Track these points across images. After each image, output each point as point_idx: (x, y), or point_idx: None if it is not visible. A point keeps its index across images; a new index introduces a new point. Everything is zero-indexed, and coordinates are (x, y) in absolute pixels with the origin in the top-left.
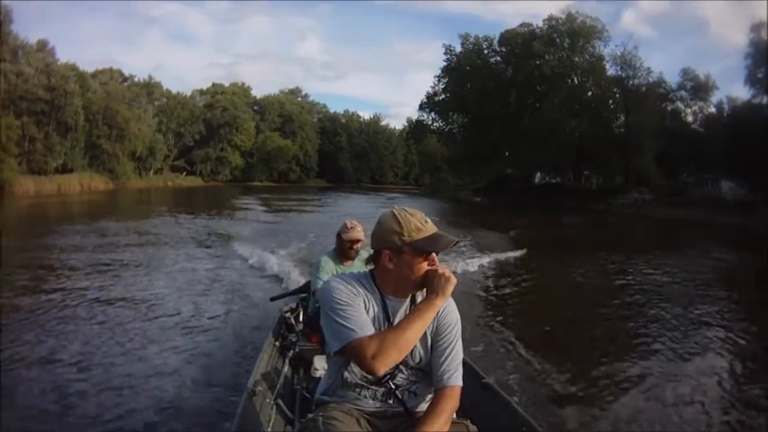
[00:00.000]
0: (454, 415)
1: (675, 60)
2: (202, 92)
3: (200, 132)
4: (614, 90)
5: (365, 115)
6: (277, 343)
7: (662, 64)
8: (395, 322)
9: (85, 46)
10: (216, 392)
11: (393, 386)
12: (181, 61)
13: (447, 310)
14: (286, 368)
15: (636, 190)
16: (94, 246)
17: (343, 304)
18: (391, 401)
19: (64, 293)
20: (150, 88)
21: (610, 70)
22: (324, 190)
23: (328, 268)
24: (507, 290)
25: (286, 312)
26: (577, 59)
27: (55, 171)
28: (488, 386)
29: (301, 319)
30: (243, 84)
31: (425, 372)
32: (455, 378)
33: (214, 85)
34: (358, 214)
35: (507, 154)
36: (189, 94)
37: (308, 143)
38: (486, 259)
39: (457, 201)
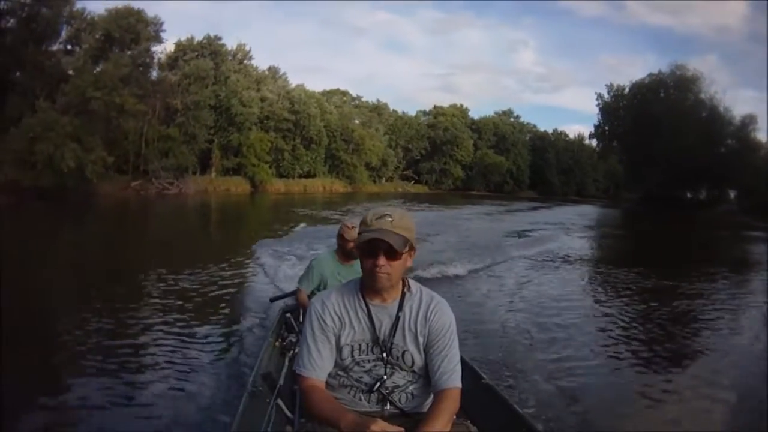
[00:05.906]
0: (455, 416)
1: None
2: (425, 113)
3: (425, 147)
4: (709, 127)
5: (572, 133)
6: (277, 344)
7: None
8: (379, 330)
9: (286, 50)
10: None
11: (384, 392)
12: (395, 70)
13: (439, 314)
14: (286, 368)
15: (729, 203)
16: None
17: (317, 333)
18: (387, 406)
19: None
20: (378, 110)
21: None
22: (534, 200)
23: (325, 268)
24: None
25: (286, 312)
26: (688, 102)
27: (299, 176)
28: (488, 387)
29: (301, 319)
30: (461, 106)
31: (420, 374)
32: (453, 379)
33: (435, 107)
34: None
35: (648, 174)
36: (413, 114)
37: (520, 159)
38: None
39: (619, 209)
